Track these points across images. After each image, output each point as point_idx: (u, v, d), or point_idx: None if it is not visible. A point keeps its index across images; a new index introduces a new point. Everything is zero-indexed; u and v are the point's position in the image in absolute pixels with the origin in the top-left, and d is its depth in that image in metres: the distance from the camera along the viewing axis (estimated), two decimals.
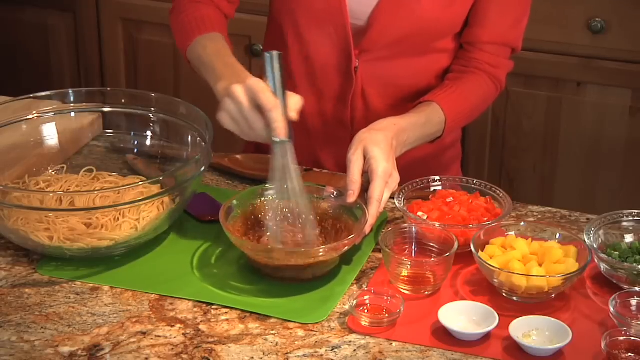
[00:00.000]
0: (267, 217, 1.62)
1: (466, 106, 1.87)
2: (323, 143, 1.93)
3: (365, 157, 1.64)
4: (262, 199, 1.66)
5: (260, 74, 1.61)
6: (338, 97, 1.89)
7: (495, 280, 1.55)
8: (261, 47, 2.90)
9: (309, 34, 1.84)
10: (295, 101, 1.58)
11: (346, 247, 1.57)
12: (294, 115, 1.58)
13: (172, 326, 1.49)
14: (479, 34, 1.86)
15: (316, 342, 1.46)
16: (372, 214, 1.61)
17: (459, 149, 2.08)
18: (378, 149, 1.64)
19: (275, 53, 1.57)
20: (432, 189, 1.76)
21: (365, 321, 1.49)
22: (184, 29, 1.85)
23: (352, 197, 1.61)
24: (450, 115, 1.83)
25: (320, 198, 1.67)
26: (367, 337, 1.47)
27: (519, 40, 1.91)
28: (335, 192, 1.66)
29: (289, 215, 1.60)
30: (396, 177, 1.65)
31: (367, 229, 1.61)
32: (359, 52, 1.85)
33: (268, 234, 1.62)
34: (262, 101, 1.55)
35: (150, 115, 1.84)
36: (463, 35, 1.88)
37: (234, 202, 1.64)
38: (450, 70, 1.90)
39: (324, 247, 1.56)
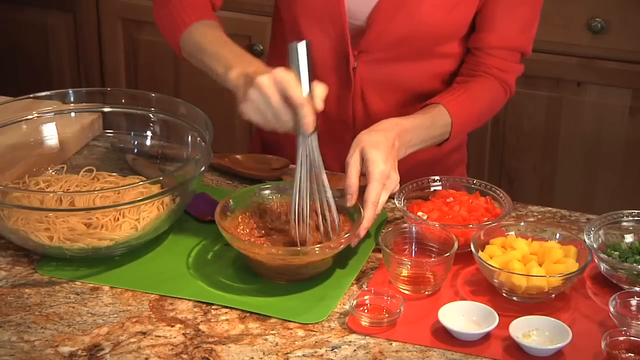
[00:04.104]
0: (293, 205, 1.60)
1: (474, 110, 1.86)
2: (326, 144, 1.93)
3: (363, 160, 1.63)
4: (259, 197, 1.67)
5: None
6: (338, 98, 1.89)
7: (495, 280, 1.55)
8: (261, 47, 2.91)
9: (308, 32, 1.84)
10: (320, 90, 1.56)
11: (341, 247, 1.57)
12: (320, 106, 1.56)
13: (172, 326, 1.49)
14: (487, 39, 1.85)
15: (316, 342, 1.46)
16: (368, 217, 1.60)
17: (465, 153, 2.06)
18: (376, 150, 1.63)
19: (303, 42, 1.55)
20: (432, 189, 1.76)
21: (365, 321, 1.49)
22: (174, 17, 1.81)
23: (350, 201, 1.61)
24: (457, 118, 1.82)
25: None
26: (367, 337, 1.47)
27: (528, 45, 1.89)
28: (333, 193, 1.66)
29: (314, 204, 1.60)
30: (395, 179, 1.65)
31: (362, 232, 1.60)
32: (358, 52, 1.84)
33: (293, 222, 1.59)
34: (292, 97, 1.53)
35: (150, 115, 1.84)
36: (470, 40, 1.87)
37: (230, 201, 1.64)
38: (458, 74, 1.89)
39: (319, 245, 1.56)
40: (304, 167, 1.57)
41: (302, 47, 1.55)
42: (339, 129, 1.90)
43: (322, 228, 1.59)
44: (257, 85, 1.55)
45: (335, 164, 1.93)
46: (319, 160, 1.58)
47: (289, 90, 1.53)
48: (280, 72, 1.54)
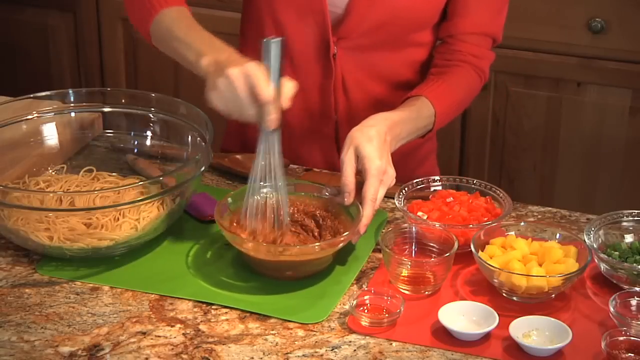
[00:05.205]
0: (245, 204, 1.61)
1: (454, 99, 1.88)
2: (307, 139, 1.93)
3: (357, 157, 1.63)
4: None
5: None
6: (319, 87, 1.89)
7: (495, 280, 1.55)
8: None
9: (287, 20, 1.85)
10: (289, 88, 1.58)
11: (341, 244, 1.57)
12: (286, 104, 1.57)
13: (172, 326, 1.49)
14: (461, 24, 1.88)
15: (316, 342, 1.46)
16: (367, 214, 1.60)
17: (435, 143, 2.08)
18: (370, 146, 1.63)
19: (277, 39, 1.55)
20: (432, 189, 1.76)
21: (365, 321, 1.49)
22: (143, 3, 1.78)
23: (348, 198, 1.61)
24: (439, 108, 1.83)
25: (318, 196, 1.67)
26: (367, 337, 1.47)
27: (499, 31, 1.93)
28: (330, 190, 1.66)
29: (266, 203, 1.61)
30: (391, 173, 1.65)
31: (362, 229, 1.61)
32: (337, 39, 1.85)
33: (244, 217, 1.61)
34: (259, 93, 1.53)
35: (150, 115, 1.84)
36: (443, 29, 1.90)
37: (229, 199, 1.64)
38: (433, 65, 1.91)
39: (319, 243, 1.56)
40: (262, 163, 1.58)
41: (276, 44, 1.55)
42: (320, 123, 1.91)
43: (275, 226, 1.60)
44: (227, 76, 1.55)
45: (320, 159, 1.93)
46: (278, 157, 1.59)
47: (257, 86, 1.54)
48: (251, 66, 1.55)
